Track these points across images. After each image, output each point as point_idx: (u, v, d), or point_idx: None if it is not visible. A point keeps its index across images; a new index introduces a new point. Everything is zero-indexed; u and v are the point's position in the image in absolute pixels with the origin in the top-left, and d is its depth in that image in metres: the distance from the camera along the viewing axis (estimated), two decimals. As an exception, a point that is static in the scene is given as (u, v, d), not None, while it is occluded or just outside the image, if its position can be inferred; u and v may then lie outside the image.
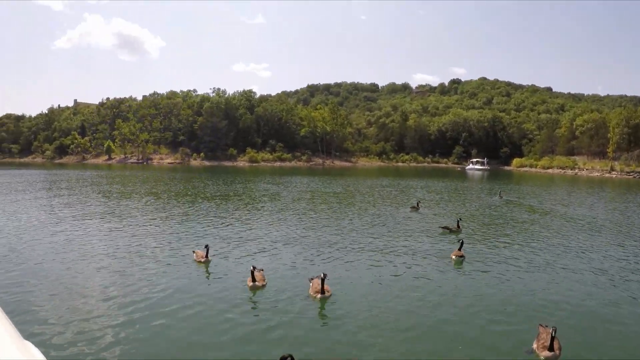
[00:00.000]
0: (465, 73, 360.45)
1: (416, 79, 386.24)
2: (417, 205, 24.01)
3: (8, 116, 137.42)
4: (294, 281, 10.66)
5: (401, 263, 12.63)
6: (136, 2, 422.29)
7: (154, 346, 7.17)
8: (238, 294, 9.72)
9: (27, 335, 3.36)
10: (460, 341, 7.65)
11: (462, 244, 13.23)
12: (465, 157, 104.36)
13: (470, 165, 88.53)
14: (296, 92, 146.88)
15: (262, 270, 10.51)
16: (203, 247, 12.84)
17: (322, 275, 9.49)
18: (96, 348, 7.05)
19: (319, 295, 9.39)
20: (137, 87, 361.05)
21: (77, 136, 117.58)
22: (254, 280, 10.05)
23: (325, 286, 9.49)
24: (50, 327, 7.84)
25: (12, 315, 3.42)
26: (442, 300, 9.60)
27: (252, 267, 10.18)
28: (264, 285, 10.03)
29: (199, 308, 8.79)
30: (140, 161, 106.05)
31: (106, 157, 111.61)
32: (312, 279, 9.93)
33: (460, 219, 18.12)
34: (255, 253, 13.80)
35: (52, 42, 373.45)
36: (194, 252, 13.12)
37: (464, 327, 8.24)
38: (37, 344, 3.08)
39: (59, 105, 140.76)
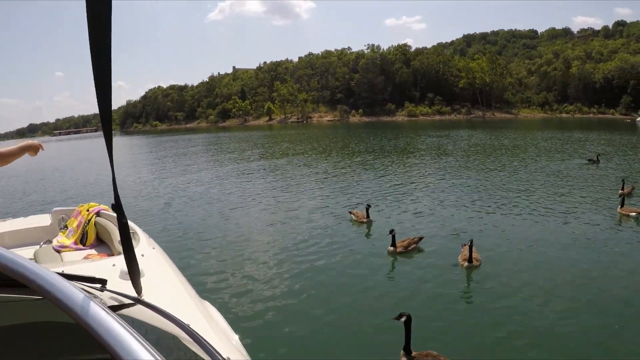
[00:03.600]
0: (630, 13, 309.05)
1: (577, 22, 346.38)
2: (597, 159, 22.22)
3: (172, 87, 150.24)
4: (447, 245, 10.02)
5: (570, 230, 10.90)
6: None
7: (310, 307, 7.18)
8: (385, 259, 9.40)
9: (203, 295, 3.41)
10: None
11: (623, 199, 12.24)
12: (634, 107, 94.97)
13: None
14: (452, 43, 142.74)
15: (421, 238, 9.93)
16: (363, 207, 12.43)
17: (468, 242, 8.74)
18: (265, 305, 7.25)
19: (465, 264, 8.70)
20: (291, 49, 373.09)
21: (237, 100, 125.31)
22: (393, 245, 9.60)
23: (475, 254, 8.74)
24: (220, 286, 8.10)
25: (187, 275, 3.53)
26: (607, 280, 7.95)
27: (390, 232, 9.66)
28: (401, 252, 9.48)
29: (347, 269, 8.82)
30: (300, 120, 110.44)
31: (267, 118, 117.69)
32: (464, 244, 9.15)
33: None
34: (417, 212, 13.29)
35: (205, 16, 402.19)
36: (350, 212, 12.69)
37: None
38: (212, 303, 3.22)
39: (218, 72, 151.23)
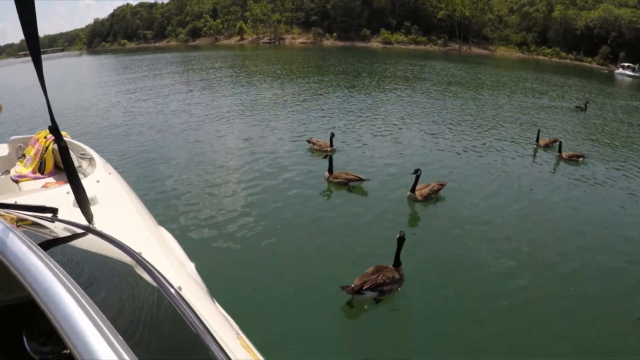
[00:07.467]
0: None
1: None
2: (585, 107, 21.60)
3: (141, 4, 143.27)
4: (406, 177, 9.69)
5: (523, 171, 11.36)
6: None
7: (267, 236, 7.17)
8: (334, 188, 9.37)
9: (160, 221, 3.32)
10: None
11: (560, 145, 12.76)
12: (612, 59, 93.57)
13: (620, 70, 77.37)
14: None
15: (365, 179, 9.42)
16: (328, 135, 12.01)
17: (415, 171, 8.50)
18: (223, 232, 7.21)
19: (407, 193, 8.62)
20: None
21: (209, 19, 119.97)
22: (330, 172, 9.45)
23: (424, 190, 8.53)
24: (178, 212, 7.93)
25: (145, 200, 3.70)
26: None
27: (326, 156, 9.66)
28: (339, 183, 9.28)
29: (303, 200, 8.77)
30: (272, 41, 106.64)
31: (238, 37, 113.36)
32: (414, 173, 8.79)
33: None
34: (373, 143, 13.16)
35: None
36: (309, 141, 12.15)
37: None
38: (170, 230, 3.17)
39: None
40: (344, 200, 8.83)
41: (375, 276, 5.41)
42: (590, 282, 6.41)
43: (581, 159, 12.60)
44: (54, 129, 1.74)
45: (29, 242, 1.18)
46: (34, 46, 1.50)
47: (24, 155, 5.29)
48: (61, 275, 1.08)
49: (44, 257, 1.13)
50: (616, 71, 77.98)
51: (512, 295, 5.89)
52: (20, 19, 1.38)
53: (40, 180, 4.76)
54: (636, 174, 11.80)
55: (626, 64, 78.19)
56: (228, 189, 9.23)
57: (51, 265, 1.10)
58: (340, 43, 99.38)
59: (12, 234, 1.19)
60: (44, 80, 1.59)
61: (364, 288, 5.29)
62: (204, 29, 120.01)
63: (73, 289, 1.07)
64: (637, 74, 73.78)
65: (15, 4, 1.34)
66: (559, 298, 5.96)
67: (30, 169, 4.95)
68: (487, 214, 8.31)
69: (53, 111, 1.72)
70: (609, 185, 10.68)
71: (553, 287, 6.21)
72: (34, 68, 1.54)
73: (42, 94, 1.62)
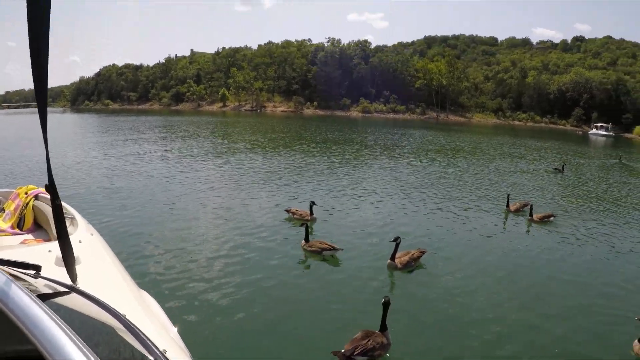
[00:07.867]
0: (589, 30, 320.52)
1: (537, 34, 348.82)
2: (562, 169, 22.09)
3: (127, 66, 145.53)
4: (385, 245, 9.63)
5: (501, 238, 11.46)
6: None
7: (250, 302, 7.17)
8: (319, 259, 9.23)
9: (142, 285, 3.33)
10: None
11: (531, 208, 13.00)
12: (585, 120, 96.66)
13: (594, 130, 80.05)
14: (412, 43, 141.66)
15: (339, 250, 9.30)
16: (308, 204, 11.89)
17: (394, 239, 8.61)
18: (203, 298, 7.22)
19: (387, 261, 8.63)
20: (251, 36, 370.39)
21: (192, 84, 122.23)
22: (307, 240, 9.41)
23: (404, 257, 8.59)
24: (159, 276, 7.97)
25: (126, 264, 3.60)
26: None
27: (303, 224, 9.75)
28: (313, 252, 9.18)
29: (285, 268, 8.71)
30: (254, 109, 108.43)
31: (221, 104, 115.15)
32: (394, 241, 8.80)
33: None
34: (353, 211, 13.13)
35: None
36: (287, 210, 11.99)
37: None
38: (151, 294, 3.21)
39: (175, 55, 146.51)
40: (323, 268, 8.79)
41: (365, 341, 5.59)
42: (581, 345, 6.46)
43: (552, 218, 12.94)
44: (51, 187, 1.72)
45: (30, 294, 1.20)
46: (42, 103, 1.47)
47: (3, 210, 5.21)
48: (66, 329, 1.11)
49: (46, 309, 1.15)
50: (590, 132, 79.58)
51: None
52: (33, 74, 1.36)
53: (19, 236, 4.65)
54: (614, 228, 12.35)
55: (599, 124, 79.93)
56: (207, 257, 9.16)
57: (54, 317, 1.13)
58: (320, 112, 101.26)
59: (12, 283, 1.22)
60: (47, 137, 1.56)
61: (355, 353, 5.50)
62: (187, 94, 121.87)
63: (78, 341, 1.09)
64: (611, 133, 75.70)
65: (32, 58, 1.34)
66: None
67: (9, 224, 4.85)
68: (466, 279, 8.41)
69: (47, 167, 1.71)
70: (592, 241, 11.22)
71: (540, 348, 6.22)
72: (40, 124, 1.52)
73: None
